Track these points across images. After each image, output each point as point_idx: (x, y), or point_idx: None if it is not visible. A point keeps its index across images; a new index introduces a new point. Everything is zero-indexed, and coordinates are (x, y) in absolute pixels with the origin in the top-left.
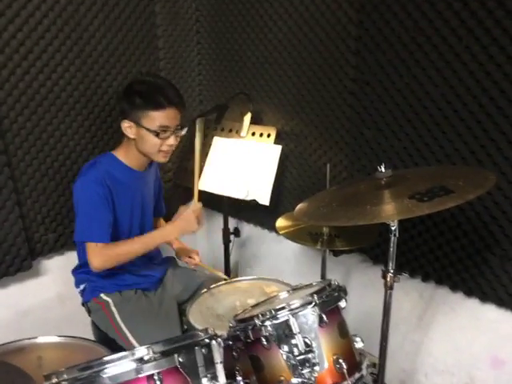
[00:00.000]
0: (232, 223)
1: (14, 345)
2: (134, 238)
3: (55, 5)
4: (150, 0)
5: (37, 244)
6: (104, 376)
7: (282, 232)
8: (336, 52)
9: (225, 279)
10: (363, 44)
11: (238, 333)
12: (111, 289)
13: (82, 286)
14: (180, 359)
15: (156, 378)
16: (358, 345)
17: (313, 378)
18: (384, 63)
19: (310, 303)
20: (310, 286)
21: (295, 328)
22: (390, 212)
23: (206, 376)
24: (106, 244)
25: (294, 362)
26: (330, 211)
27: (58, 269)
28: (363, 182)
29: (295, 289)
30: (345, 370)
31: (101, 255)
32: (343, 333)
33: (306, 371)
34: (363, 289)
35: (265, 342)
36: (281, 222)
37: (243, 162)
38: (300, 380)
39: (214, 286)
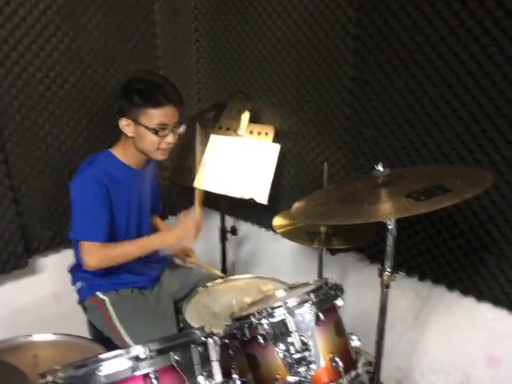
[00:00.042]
0: (229, 222)
1: (9, 343)
2: (131, 241)
3: (53, 2)
4: None
5: (33, 242)
6: (100, 374)
7: (279, 231)
8: (335, 51)
9: (221, 277)
10: (362, 43)
11: (234, 331)
12: (108, 287)
13: (78, 285)
14: (176, 357)
15: (152, 376)
16: (355, 343)
17: (309, 377)
18: (383, 62)
19: (307, 302)
20: (306, 284)
21: (292, 326)
22: (387, 211)
23: (202, 374)
24: (103, 243)
25: (290, 360)
26: (327, 210)
27: (54, 267)
28: (361, 181)
29: (292, 287)
30: (341, 369)
31: (97, 254)
32: (340, 331)
33: (302, 369)
34: (360, 287)
35: (261, 341)
36: (278, 221)
37: (241, 160)
38: (296, 378)
39: (210, 284)
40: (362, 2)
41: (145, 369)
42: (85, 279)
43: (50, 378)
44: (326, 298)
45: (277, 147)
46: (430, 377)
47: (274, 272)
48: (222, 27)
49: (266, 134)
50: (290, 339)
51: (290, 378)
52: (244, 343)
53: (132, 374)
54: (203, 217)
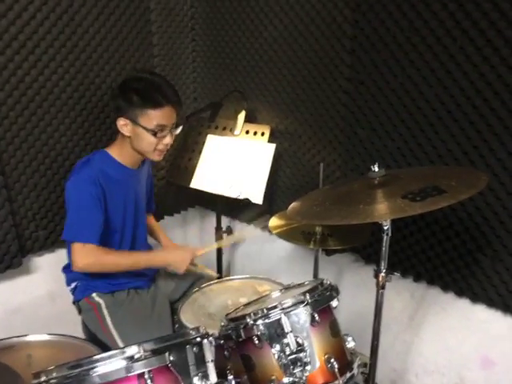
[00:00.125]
0: (225, 222)
1: (3, 343)
2: (124, 252)
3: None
4: None
5: (27, 241)
6: (94, 374)
7: (275, 231)
8: (331, 51)
9: (217, 278)
10: (358, 43)
11: (229, 332)
12: (104, 288)
13: (73, 285)
14: (171, 358)
15: (146, 376)
16: (350, 344)
17: (304, 378)
18: (379, 63)
19: (302, 302)
20: (302, 285)
21: (287, 327)
22: (382, 211)
23: (197, 375)
24: (95, 246)
25: (285, 361)
26: (323, 210)
27: (49, 266)
28: (356, 182)
29: (287, 288)
30: (336, 370)
31: (87, 256)
32: (335, 332)
33: (297, 370)
34: (355, 288)
35: (256, 341)
36: (274, 221)
37: (236, 160)
38: (291, 379)
39: (205, 284)
40: (359, 3)
41: (139, 369)
42: (80, 279)
43: (43, 378)
44: (321, 299)
45: (272, 147)
46: (424, 378)
47: (270, 272)
48: (219, 26)
49: (262, 133)
50: (285, 340)
51: (285, 379)
52: (239, 344)
53: (126, 375)
54: (198, 216)
